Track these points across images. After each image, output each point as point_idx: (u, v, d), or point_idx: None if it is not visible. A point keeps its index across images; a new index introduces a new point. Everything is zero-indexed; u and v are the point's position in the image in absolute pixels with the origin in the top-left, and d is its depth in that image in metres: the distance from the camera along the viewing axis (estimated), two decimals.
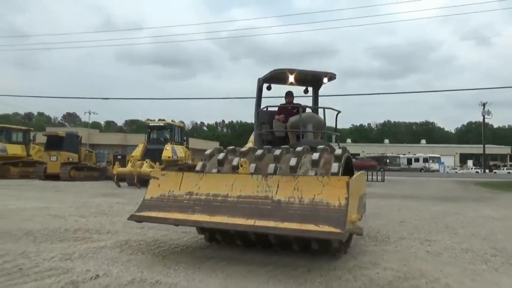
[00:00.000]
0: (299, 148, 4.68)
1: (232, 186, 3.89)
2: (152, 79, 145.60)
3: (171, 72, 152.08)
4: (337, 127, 6.70)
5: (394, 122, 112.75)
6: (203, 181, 4.08)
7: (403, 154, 63.52)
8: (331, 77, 6.43)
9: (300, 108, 6.22)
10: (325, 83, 6.56)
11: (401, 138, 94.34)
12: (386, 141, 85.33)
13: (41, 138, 23.51)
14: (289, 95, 6.67)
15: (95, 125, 75.69)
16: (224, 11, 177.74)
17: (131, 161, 16.13)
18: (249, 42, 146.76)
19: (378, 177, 23.25)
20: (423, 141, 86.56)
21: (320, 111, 6.44)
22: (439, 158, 61.85)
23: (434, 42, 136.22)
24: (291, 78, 6.29)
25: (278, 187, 3.71)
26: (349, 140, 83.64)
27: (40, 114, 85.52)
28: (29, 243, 4.69)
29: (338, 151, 4.54)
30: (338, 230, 3.22)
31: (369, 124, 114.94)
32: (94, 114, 64.42)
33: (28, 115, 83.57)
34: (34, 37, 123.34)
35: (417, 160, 60.10)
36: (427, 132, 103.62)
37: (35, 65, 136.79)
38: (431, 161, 59.58)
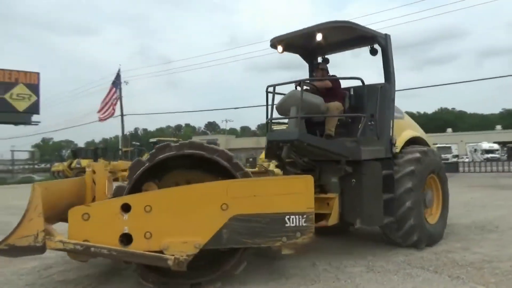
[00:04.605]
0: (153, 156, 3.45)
1: None
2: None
3: (294, 75, 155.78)
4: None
5: None
6: None
7: None
8: (333, 28, 4.25)
9: (301, 84, 4.13)
10: (320, 40, 4.45)
11: None
12: None
13: None
14: (319, 67, 4.92)
15: (232, 132, 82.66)
16: (341, 9, 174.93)
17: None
18: None
19: (511, 167, 20.97)
20: None
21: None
22: None
23: None
24: (280, 49, 4.85)
25: None
26: (499, 127, 72.51)
27: (187, 125, 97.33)
28: None
29: (127, 167, 3.51)
30: None
31: None
32: (230, 121, 71.18)
33: (178, 127, 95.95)
34: (177, 61, 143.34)
35: None
36: None
37: (179, 84, 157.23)
38: None
